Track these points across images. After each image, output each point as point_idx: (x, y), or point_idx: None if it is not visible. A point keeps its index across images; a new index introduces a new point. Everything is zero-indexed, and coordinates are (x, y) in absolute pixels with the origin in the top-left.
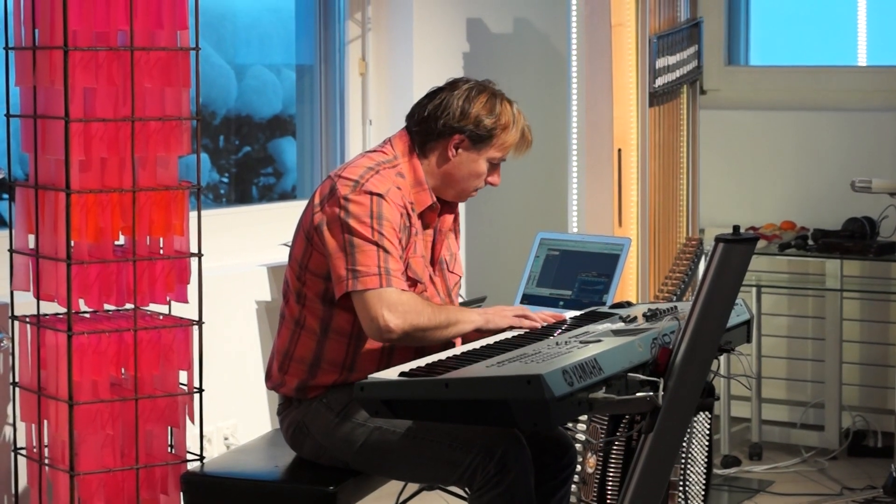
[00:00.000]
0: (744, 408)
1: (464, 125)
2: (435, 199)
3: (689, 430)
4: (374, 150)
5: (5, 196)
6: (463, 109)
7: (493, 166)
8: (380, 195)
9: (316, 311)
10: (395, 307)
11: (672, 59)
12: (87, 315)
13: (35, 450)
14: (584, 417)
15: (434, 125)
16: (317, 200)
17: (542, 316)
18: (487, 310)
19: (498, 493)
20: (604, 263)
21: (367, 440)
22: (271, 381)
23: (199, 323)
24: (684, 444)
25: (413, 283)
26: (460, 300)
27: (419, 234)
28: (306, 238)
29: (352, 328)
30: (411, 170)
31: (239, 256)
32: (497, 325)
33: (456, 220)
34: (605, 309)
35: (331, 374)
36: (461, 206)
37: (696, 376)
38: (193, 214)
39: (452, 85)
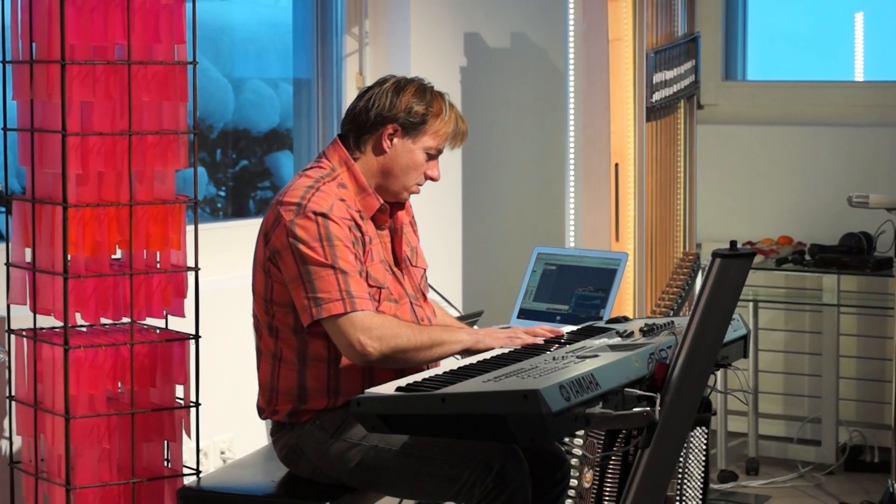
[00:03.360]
0: (740, 423)
1: (395, 114)
2: (382, 201)
3: (685, 445)
4: (311, 168)
5: (2, 209)
6: (392, 100)
7: (430, 158)
8: (324, 214)
9: (290, 342)
10: (370, 330)
11: (669, 74)
12: (84, 329)
13: (31, 464)
14: (580, 432)
15: (366, 118)
16: (264, 231)
17: (538, 331)
18: (479, 330)
19: None
20: (601, 278)
21: (363, 459)
22: (264, 413)
23: (196, 337)
24: (681, 459)
25: (376, 289)
26: (457, 315)
27: (374, 241)
28: (264, 271)
29: (328, 353)
30: (351, 178)
31: (236, 270)
32: (488, 345)
33: (408, 212)
34: (602, 324)
35: (319, 400)
36: (456, 218)
37: (693, 391)
38: (190, 228)
39: (381, 81)
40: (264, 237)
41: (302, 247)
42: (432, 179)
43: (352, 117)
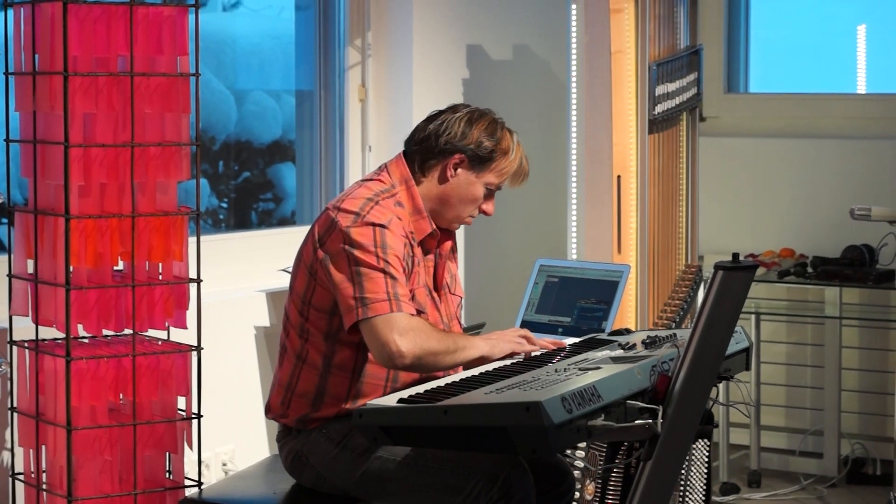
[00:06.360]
0: (743, 435)
1: (465, 145)
2: (434, 226)
3: (687, 458)
4: (371, 179)
5: (4, 221)
6: (464, 130)
7: (489, 193)
8: (382, 225)
9: (318, 346)
10: (406, 332)
11: (671, 87)
12: (86, 340)
13: (33, 475)
14: (582, 444)
15: (435, 143)
16: (317, 235)
17: (541, 343)
18: (490, 336)
19: None
20: (603, 290)
21: (368, 469)
22: (272, 412)
23: (198, 348)
24: (683, 472)
25: (417, 312)
26: None
27: (421, 264)
28: (309, 273)
29: (354, 364)
30: (409, 198)
31: (238, 282)
32: (502, 350)
33: (454, 242)
34: (604, 336)
35: (333, 407)
36: (459, 231)
37: (696, 404)
38: (192, 240)
39: (453, 108)
40: (318, 241)
41: (357, 251)
42: (486, 214)
43: (420, 139)
